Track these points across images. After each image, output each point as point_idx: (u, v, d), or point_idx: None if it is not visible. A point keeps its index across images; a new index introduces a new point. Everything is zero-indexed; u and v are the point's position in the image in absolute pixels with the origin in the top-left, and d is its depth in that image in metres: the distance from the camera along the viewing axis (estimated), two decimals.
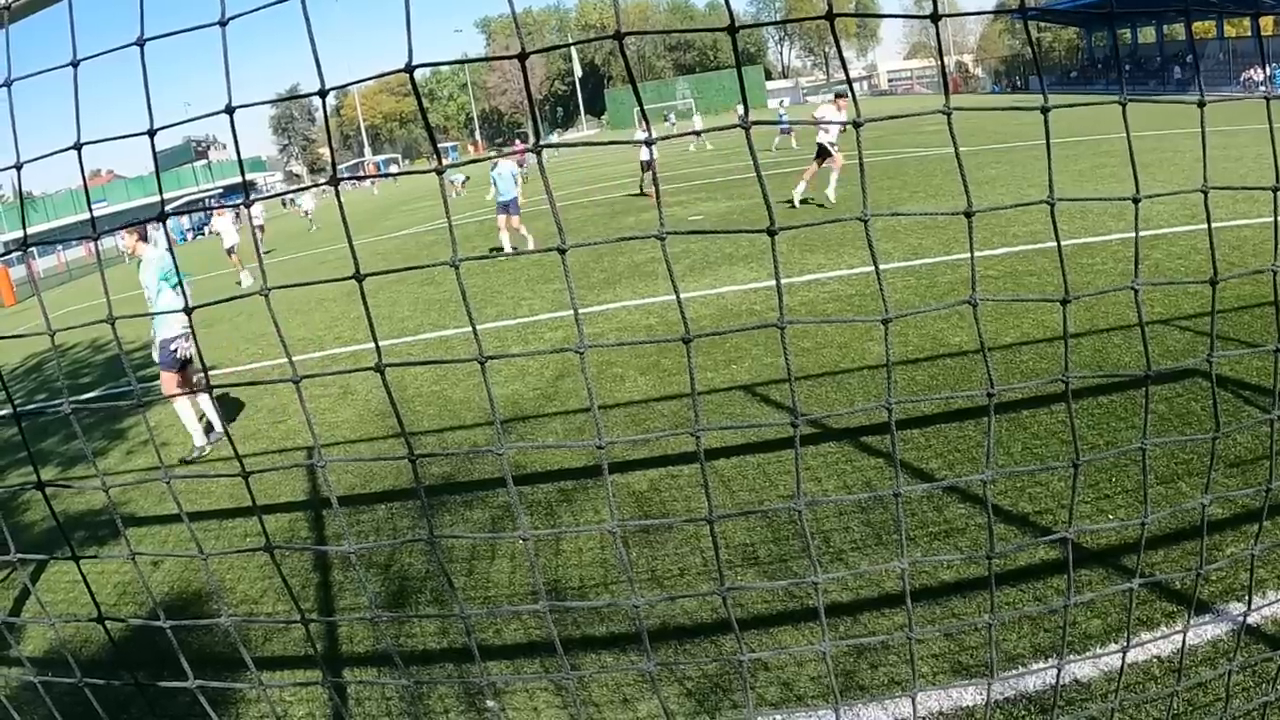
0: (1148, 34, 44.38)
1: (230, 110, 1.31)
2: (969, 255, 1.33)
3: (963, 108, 1.29)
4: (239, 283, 17.48)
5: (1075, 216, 9.52)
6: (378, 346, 1.36)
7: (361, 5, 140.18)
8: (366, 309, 1.34)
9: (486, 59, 1.34)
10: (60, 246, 43.21)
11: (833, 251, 9.73)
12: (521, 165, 33.35)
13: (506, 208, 14.00)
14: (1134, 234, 1.37)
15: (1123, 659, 1.61)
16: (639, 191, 20.27)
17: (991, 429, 1.51)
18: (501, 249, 14.06)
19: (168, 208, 1.39)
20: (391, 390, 1.38)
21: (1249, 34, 36.17)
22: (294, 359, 1.34)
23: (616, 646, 3.23)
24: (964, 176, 1.37)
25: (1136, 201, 1.42)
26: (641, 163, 19.24)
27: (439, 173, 1.26)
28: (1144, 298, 6.38)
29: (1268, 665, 2.57)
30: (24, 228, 1.29)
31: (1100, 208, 9.75)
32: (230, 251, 18.07)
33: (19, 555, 1.58)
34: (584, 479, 4.76)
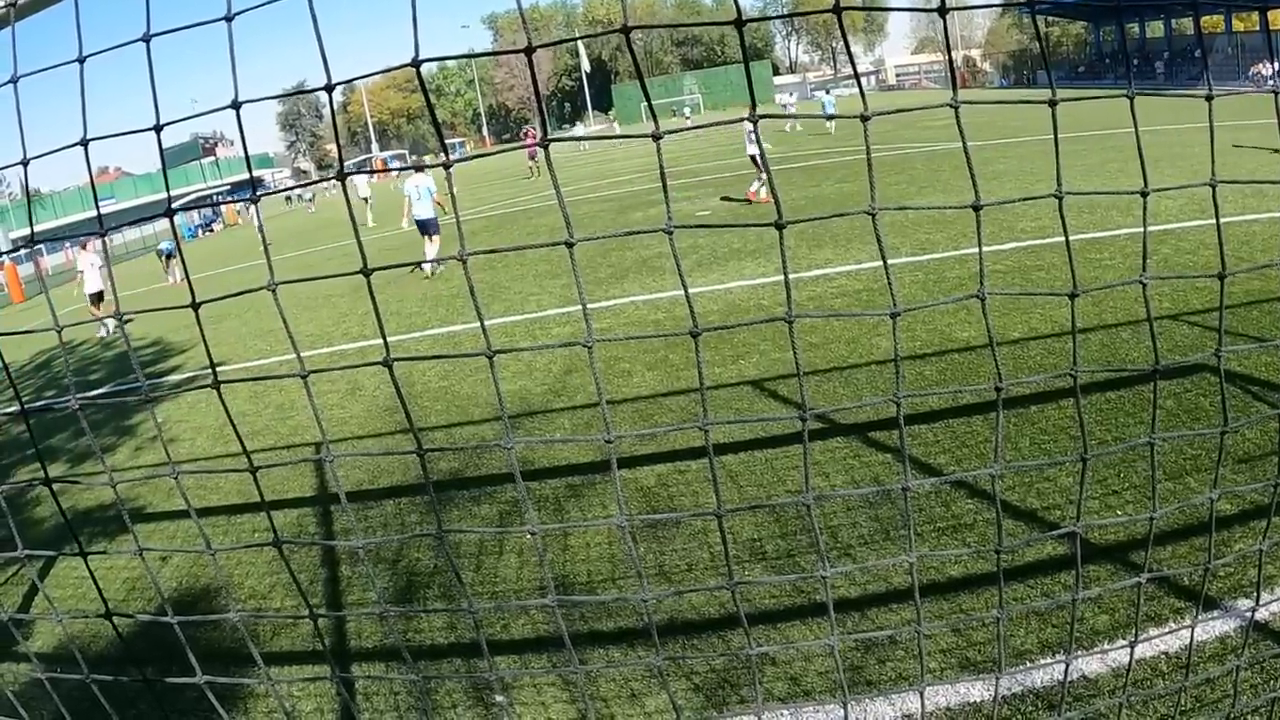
0: (1156, 28, 44.18)
1: (237, 105, 1.31)
2: (977, 250, 1.32)
3: (970, 101, 1.28)
4: (101, 335, 13.78)
5: (1083, 212, 9.48)
6: (385, 342, 1.36)
7: (368, 1, 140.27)
8: (375, 304, 1.34)
9: (493, 53, 1.34)
10: (68, 244, 43.32)
11: (840, 247, 9.72)
12: (533, 158, 32.93)
13: (425, 228, 12.36)
14: (1142, 229, 1.36)
15: (1130, 655, 1.61)
16: (746, 199, 14.67)
17: (1000, 424, 1.50)
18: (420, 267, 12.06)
19: (174, 204, 1.40)
20: (399, 385, 1.38)
21: (1257, 28, 35.95)
22: (302, 354, 1.34)
23: (624, 641, 3.24)
24: (972, 171, 1.36)
25: (1145, 195, 1.41)
26: (751, 158, 13.81)
27: (446, 168, 1.26)
28: (1152, 293, 6.35)
29: (1276, 662, 2.56)
30: (31, 225, 1.30)
31: (1108, 203, 9.71)
32: (97, 299, 14.42)
33: (26, 551, 1.59)
34: (592, 474, 4.77)
